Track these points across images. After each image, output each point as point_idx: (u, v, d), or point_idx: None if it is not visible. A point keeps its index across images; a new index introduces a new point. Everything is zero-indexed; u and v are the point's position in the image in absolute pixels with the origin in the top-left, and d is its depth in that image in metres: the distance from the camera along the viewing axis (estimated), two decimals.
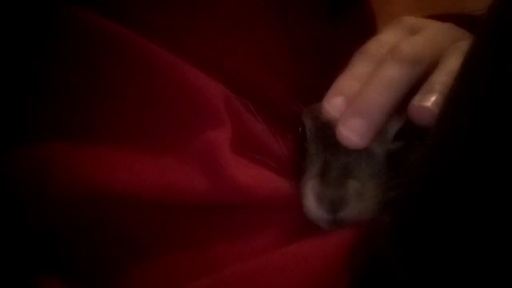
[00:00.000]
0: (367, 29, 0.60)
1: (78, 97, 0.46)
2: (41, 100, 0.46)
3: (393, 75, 0.45)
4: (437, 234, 0.33)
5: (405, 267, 0.33)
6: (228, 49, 0.52)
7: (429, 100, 0.43)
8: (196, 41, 0.50)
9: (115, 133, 0.45)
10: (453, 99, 0.35)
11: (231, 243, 0.44)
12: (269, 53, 0.55)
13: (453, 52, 0.45)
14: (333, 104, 0.46)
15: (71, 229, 0.44)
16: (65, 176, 0.43)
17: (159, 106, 0.46)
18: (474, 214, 0.31)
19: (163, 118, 0.46)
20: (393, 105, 0.45)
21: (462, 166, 0.32)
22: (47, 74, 0.46)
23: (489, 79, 0.32)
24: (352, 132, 0.44)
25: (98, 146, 0.45)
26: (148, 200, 0.44)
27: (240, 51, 0.53)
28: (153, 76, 0.46)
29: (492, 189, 0.31)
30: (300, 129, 0.52)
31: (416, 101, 0.44)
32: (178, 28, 0.50)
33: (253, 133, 0.49)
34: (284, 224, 0.46)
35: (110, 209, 0.44)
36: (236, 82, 0.51)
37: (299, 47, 0.56)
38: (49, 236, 0.44)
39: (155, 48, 0.47)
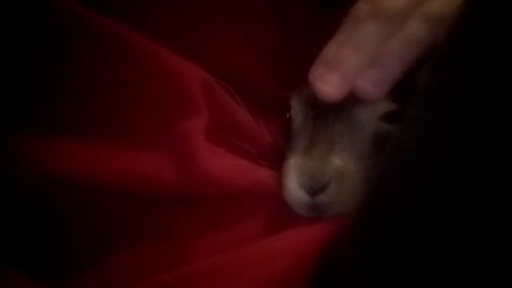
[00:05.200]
0: None
1: (50, 87, 0.44)
2: (15, 91, 0.44)
3: (368, 32, 0.46)
4: (394, 252, 0.31)
5: (360, 279, 0.32)
6: (214, 32, 0.50)
7: (367, 79, 0.44)
8: (179, 24, 0.48)
9: (86, 123, 0.44)
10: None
11: (203, 236, 0.43)
12: (258, 39, 0.52)
13: (416, 17, 0.45)
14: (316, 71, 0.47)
15: (37, 218, 0.43)
16: (31, 164, 0.42)
17: (133, 94, 0.45)
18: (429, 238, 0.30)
19: (137, 107, 0.45)
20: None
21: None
22: (21, 64, 0.44)
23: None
24: (328, 85, 0.45)
25: (68, 135, 0.43)
26: (117, 190, 0.43)
27: (228, 35, 0.50)
28: (127, 63, 0.44)
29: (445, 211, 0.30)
30: (287, 114, 0.51)
31: (357, 78, 0.45)
32: (159, 10, 0.48)
33: (233, 117, 0.48)
34: (259, 217, 0.45)
35: (78, 198, 0.43)
36: (221, 66, 0.48)
37: (290, 33, 0.54)
38: (16, 225, 0.43)
39: (129, 32, 0.44)
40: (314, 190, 0.44)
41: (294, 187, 0.44)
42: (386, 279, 0.31)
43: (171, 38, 0.46)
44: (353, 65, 0.45)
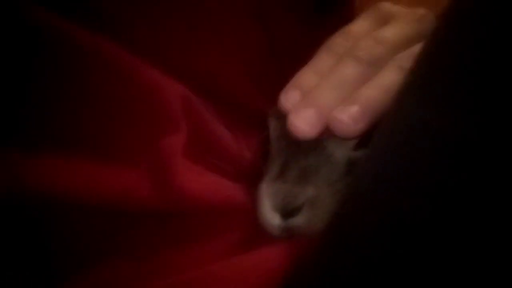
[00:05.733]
0: None
1: (28, 102, 0.44)
2: None
3: (347, 73, 0.46)
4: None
5: None
6: (198, 41, 0.50)
7: (347, 113, 0.43)
8: (161, 34, 0.48)
9: (65, 138, 0.44)
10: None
11: (180, 251, 0.44)
12: (243, 48, 0.52)
13: (392, 65, 0.46)
14: (289, 97, 0.47)
15: (17, 233, 0.43)
16: (11, 178, 0.42)
17: (112, 110, 0.45)
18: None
19: (116, 123, 0.45)
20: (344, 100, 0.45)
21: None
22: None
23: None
24: (303, 121, 0.44)
25: (48, 150, 0.43)
26: (96, 206, 0.43)
27: (212, 44, 0.50)
28: (107, 78, 0.45)
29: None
30: (265, 132, 0.51)
31: (335, 111, 0.44)
32: (140, 20, 0.47)
33: (212, 134, 0.48)
34: (235, 233, 0.45)
35: (57, 213, 0.43)
36: (204, 76, 0.49)
37: (277, 45, 0.54)
38: None
39: (109, 46, 0.44)
40: (286, 212, 0.44)
41: (266, 209, 0.45)
42: None
43: (152, 47, 0.47)
44: (330, 104, 0.45)
